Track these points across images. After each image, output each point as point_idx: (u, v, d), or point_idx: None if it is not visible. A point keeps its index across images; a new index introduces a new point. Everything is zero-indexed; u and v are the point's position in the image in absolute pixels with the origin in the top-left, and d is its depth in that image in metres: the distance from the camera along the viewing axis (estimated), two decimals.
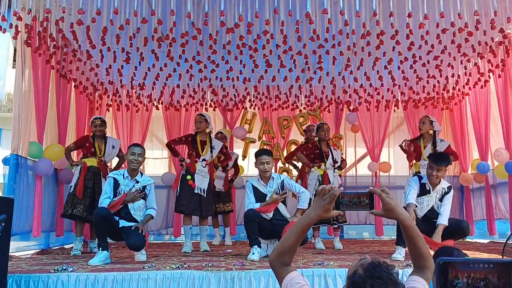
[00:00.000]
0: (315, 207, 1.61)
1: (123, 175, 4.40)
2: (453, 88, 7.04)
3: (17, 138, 4.83)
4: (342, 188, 1.60)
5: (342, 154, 6.68)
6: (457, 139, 7.62)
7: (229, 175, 6.47)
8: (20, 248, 5.25)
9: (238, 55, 5.76)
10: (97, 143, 5.44)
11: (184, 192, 5.25)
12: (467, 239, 6.66)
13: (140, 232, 4.14)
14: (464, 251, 2.22)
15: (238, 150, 7.64)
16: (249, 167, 7.70)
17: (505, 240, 4.00)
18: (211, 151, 5.46)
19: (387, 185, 7.26)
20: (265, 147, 7.67)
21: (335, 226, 5.63)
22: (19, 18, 4.50)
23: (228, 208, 6.40)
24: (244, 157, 7.85)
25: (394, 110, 7.83)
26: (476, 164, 6.85)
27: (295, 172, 7.13)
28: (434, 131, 5.59)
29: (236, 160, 6.68)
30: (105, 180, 5.15)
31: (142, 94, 7.25)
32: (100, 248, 4.09)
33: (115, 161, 5.95)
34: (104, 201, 4.25)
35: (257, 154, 4.64)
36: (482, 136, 6.79)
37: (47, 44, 5.05)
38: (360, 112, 7.73)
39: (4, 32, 4.24)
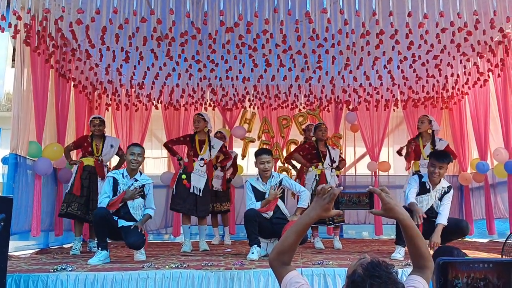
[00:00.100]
0: (315, 206, 1.61)
1: (122, 174, 4.40)
2: (453, 88, 7.04)
3: (16, 138, 4.83)
4: (341, 188, 1.60)
5: (341, 153, 6.68)
6: (457, 138, 7.62)
7: (227, 174, 6.46)
8: (19, 248, 5.25)
9: (238, 55, 5.76)
10: (95, 142, 5.44)
11: (180, 191, 5.27)
12: (467, 239, 6.66)
13: (139, 231, 4.14)
14: (464, 251, 2.22)
15: (237, 149, 7.64)
16: (248, 167, 7.70)
17: (505, 239, 4.00)
18: (210, 150, 5.46)
19: (386, 184, 7.22)
20: (264, 146, 7.66)
21: (331, 226, 5.64)
22: (19, 18, 4.49)
23: (224, 207, 6.38)
24: (243, 156, 7.85)
25: (394, 109, 7.84)
26: (476, 163, 6.85)
27: (294, 172, 7.12)
28: (433, 131, 5.61)
29: (235, 159, 6.67)
30: (102, 179, 5.19)
31: (141, 94, 7.25)
32: (100, 248, 4.09)
33: (116, 160, 5.96)
34: (103, 200, 4.24)
35: (257, 154, 4.64)
36: (481, 135, 6.80)
37: (46, 43, 5.04)
38: (360, 112, 7.72)
39: (3, 31, 4.23)
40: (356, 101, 7.44)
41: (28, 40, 4.70)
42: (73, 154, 5.89)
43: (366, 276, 1.34)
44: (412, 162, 5.82)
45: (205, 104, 7.54)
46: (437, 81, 6.80)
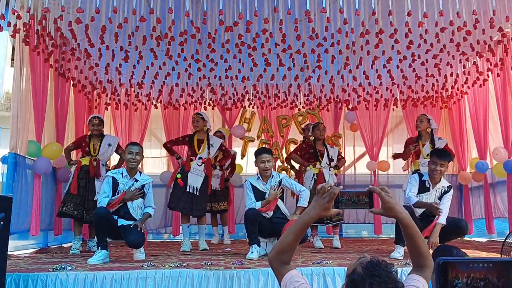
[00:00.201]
0: (315, 205, 1.61)
1: (122, 174, 4.40)
2: (452, 87, 7.04)
3: (16, 137, 4.82)
4: (341, 187, 1.60)
5: (340, 151, 6.67)
6: (456, 138, 7.62)
7: (225, 173, 6.46)
8: (18, 247, 5.24)
9: (237, 54, 5.75)
10: (92, 142, 5.45)
11: (177, 189, 5.31)
12: (466, 238, 6.67)
13: (139, 230, 4.14)
14: (463, 250, 2.22)
15: (237, 149, 7.63)
16: (247, 166, 7.70)
17: (504, 238, 4.01)
18: (209, 148, 5.47)
19: (385, 183, 7.24)
20: (264, 146, 7.66)
21: (330, 224, 5.64)
22: (18, 17, 4.48)
23: (221, 207, 6.36)
24: (243, 156, 7.85)
25: (393, 109, 7.83)
26: (475, 163, 6.86)
27: (293, 172, 7.12)
28: (432, 129, 5.63)
29: (234, 157, 6.67)
30: (97, 178, 5.20)
31: (141, 93, 7.23)
32: (99, 247, 4.09)
33: (116, 160, 5.96)
34: (103, 200, 4.24)
35: (258, 153, 4.64)
36: (480, 135, 6.80)
37: (46, 42, 5.03)
38: (359, 111, 7.72)
39: (2, 30, 4.21)
40: (355, 100, 7.44)
41: (27, 39, 4.69)
42: (73, 154, 5.90)
43: (365, 275, 1.34)
44: (410, 162, 5.84)
45: (205, 103, 7.54)
46: (437, 80, 6.80)
